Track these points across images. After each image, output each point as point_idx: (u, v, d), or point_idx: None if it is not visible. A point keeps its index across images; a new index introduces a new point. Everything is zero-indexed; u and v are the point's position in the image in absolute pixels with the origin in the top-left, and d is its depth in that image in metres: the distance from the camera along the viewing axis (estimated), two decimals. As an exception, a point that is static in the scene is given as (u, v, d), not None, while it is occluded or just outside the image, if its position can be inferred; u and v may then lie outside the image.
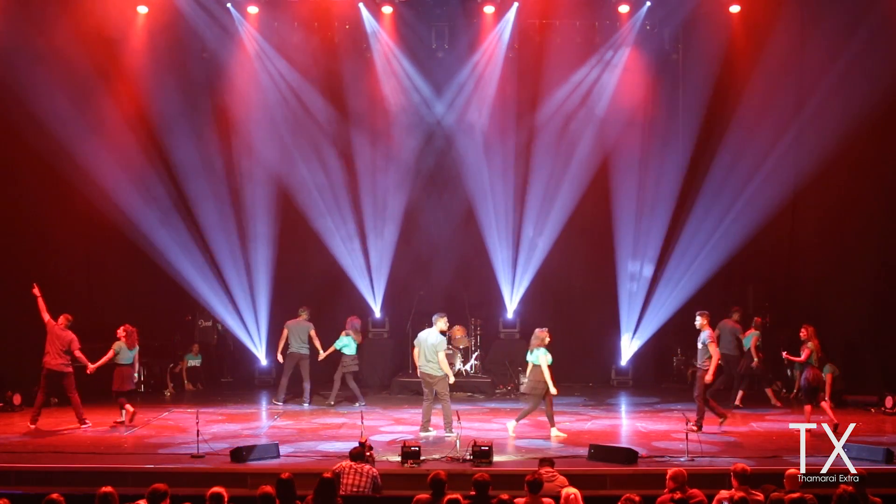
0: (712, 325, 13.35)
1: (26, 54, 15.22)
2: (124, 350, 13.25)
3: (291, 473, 7.96)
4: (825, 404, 12.70)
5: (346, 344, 15.08)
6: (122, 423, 13.11)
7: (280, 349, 15.24)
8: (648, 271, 17.29)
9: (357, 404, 14.89)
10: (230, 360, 18.42)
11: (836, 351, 15.47)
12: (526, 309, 17.76)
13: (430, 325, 12.60)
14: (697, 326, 12.87)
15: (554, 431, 12.33)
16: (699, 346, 12.83)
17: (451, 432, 11.90)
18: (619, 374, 17.56)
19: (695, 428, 12.13)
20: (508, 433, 12.29)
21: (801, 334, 13.03)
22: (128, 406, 13.14)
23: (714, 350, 12.62)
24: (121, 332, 13.31)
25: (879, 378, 15.41)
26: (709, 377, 12.56)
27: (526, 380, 12.97)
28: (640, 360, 17.65)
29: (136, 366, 14.00)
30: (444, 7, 17.14)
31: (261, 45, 17.25)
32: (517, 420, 12.51)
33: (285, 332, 15.23)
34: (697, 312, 13.03)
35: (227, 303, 17.13)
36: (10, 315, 15.18)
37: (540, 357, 12.36)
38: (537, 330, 12.70)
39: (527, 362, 12.72)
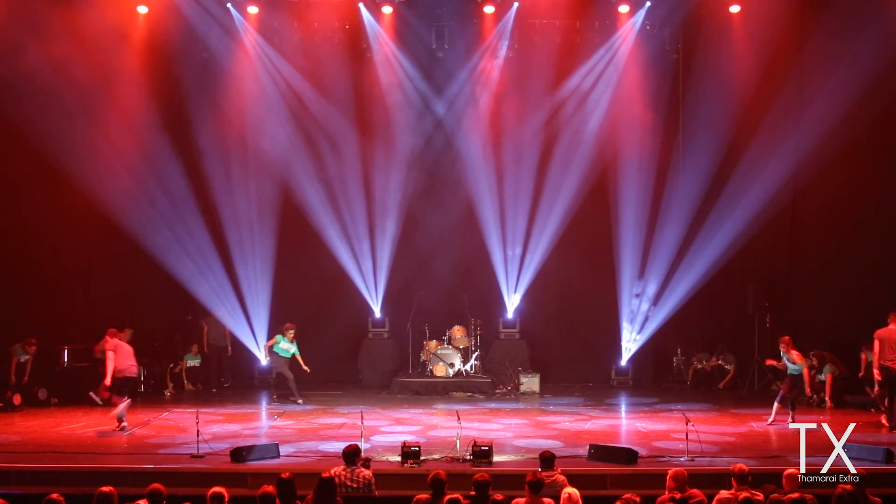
0: None
1: (26, 54, 15.20)
2: None
3: (291, 473, 7.95)
4: None
5: None
6: None
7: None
8: (650, 290, 17.27)
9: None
10: (230, 360, 18.39)
11: (836, 351, 15.44)
12: (526, 309, 17.77)
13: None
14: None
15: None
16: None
17: None
18: (619, 374, 17.54)
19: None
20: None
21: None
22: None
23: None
24: None
25: (880, 378, 15.35)
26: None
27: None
28: (640, 360, 17.64)
29: None
30: (444, 7, 17.15)
31: (261, 45, 17.26)
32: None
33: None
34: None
35: (227, 303, 17.12)
36: (10, 315, 15.18)
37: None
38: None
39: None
